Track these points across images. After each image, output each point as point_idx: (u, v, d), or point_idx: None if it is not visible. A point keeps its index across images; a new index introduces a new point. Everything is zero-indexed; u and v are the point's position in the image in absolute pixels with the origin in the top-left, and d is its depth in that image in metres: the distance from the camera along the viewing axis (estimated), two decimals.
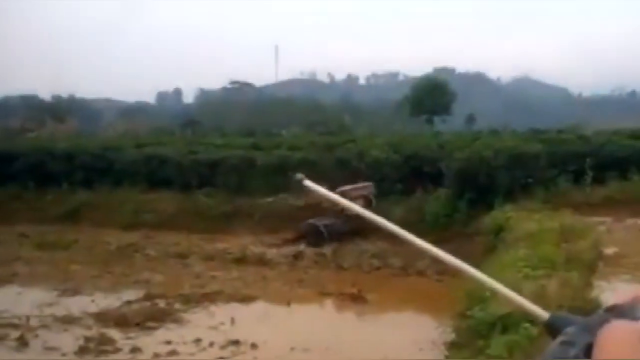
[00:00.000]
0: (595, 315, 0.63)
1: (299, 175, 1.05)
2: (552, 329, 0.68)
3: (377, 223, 0.98)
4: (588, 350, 0.58)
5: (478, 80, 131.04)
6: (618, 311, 0.63)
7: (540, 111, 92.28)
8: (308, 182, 1.03)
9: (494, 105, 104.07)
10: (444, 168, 16.56)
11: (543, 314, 0.74)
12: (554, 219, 11.68)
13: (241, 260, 14.17)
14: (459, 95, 48.03)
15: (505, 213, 13.46)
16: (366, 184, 15.30)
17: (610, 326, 0.58)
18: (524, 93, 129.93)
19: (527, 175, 15.97)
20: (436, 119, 44.67)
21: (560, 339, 0.63)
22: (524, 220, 12.11)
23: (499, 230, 12.43)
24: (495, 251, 11.02)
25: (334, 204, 1.00)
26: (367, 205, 14.09)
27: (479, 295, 7.42)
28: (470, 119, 56.08)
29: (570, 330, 0.63)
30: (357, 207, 1.00)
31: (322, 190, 1.01)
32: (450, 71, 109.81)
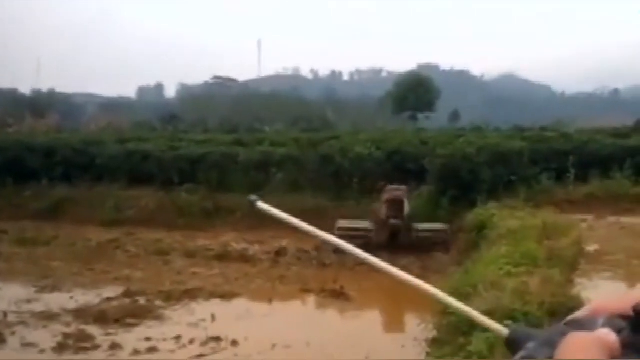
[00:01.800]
0: (555, 329, 0.64)
1: (253, 197, 1.05)
2: (512, 344, 0.68)
3: (342, 248, 0.98)
4: None
5: (462, 77, 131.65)
6: (578, 324, 0.64)
7: (523, 109, 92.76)
8: (261, 204, 1.03)
9: (478, 103, 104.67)
10: (427, 165, 16.62)
11: (503, 330, 0.74)
12: (537, 217, 11.77)
13: (223, 257, 14.12)
14: (443, 93, 48.21)
15: (487, 210, 13.55)
16: (402, 186, 14.82)
17: (569, 337, 0.59)
18: (508, 91, 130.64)
19: (510, 172, 16.09)
20: (420, 115, 44.81)
21: (520, 354, 0.63)
22: (507, 217, 12.19)
23: (481, 228, 12.51)
24: (478, 248, 11.07)
25: (289, 225, 0.99)
26: (399, 207, 14.17)
27: (461, 293, 7.45)
28: (455, 116, 56.37)
29: (530, 345, 0.63)
30: (314, 229, 0.99)
31: (275, 212, 1.00)
32: (434, 68, 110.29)
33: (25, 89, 64.94)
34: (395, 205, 14.31)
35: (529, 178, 16.29)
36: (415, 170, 17.13)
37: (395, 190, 14.70)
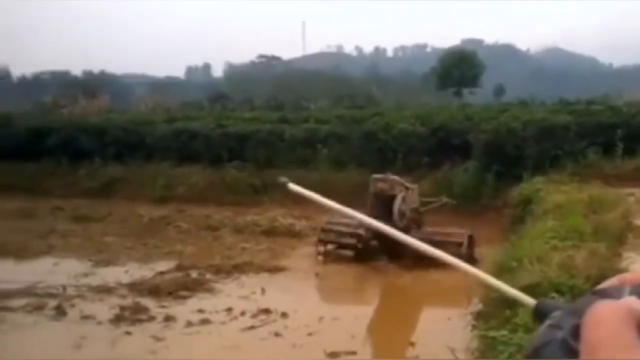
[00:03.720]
0: (581, 298, 0.65)
1: (283, 179, 1.09)
2: (539, 314, 0.69)
3: (372, 226, 1.01)
4: (576, 331, 0.60)
5: (507, 51, 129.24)
6: (605, 293, 0.64)
7: (570, 82, 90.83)
8: (292, 185, 1.07)
9: (523, 77, 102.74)
10: (472, 140, 16.45)
11: (530, 301, 0.76)
12: (583, 191, 11.58)
13: (270, 232, 14.30)
14: (487, 67, 47.41)
15: (533, 185, 13.38)
16: (392, 177, 11.98)
17: (595, 305, 0.60)
18: (553, 64, 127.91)
19: (556, 147, 15.82)
20: (464, 91, 44.23)
21: (547, 322, 0.64)
22: (553, 192, 12.03)
23: (527, 203, 12.37)
24: (524, 223, 10.97)
25: (320, 204, 1.03)
26: (386, 205, 11.31)
27: (506, 266, 7.43)
28: (499, 90, 55.45)
29: (557, 314, 0.64)
30: (345, 209, 1.03)
31: (306, 192, 1.05)
32: (478, 42, 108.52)
33: (77, 70, 65.92)
34: (380, 202, 11.50)
35: (576, 152, 15.99)
36: (460, 146, 16.94)
37: (380, 181, 11.79)
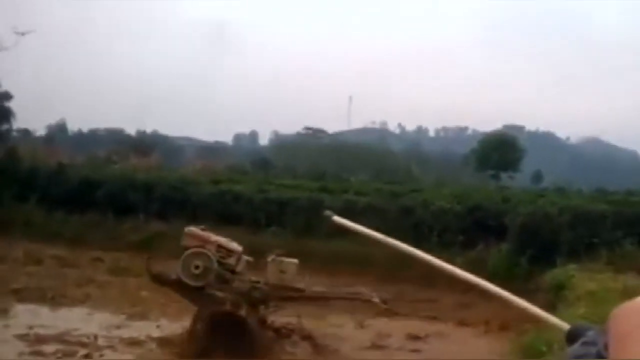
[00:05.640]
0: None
1: (328, 212, 1.08)
2: (572, 336, 0.74)
3: (414, 255, 0.98)
4: (607, 347, 0.64)
5: (547, 139, 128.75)
6: None
7: (608, 173, 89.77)
8: (337, 218, 1.06)
9: (562, 165, 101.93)
10: (508, 222, 16.21)
11: (564, 325, 0.83)
12: (617, 280, 11.24)
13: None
14: (527, 153, 47.13)
15: (567, 271, 13.06)
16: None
17: (622, 304, 0.65)
18: (592, 154, 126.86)
19: (592, 234, 15.49)
20: (503, 175, 43.91)
21: (581, 340, 0.69)
22: (586, 279, 11.71)
23: (559, 288, 12.06)
24: (555, 309, 10.64)
25: (366, 237, 1.00)
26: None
27: (537, 349, 7.17)
28: (537, 176, 55.00)
29: (590, 333, 0.70)
30: (392, 240, 1.00)
31: (350, 224, 1.03)
32: (519, 129, 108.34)
33: (130, 129, 67.51)
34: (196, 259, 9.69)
35: (612, 242, 15.58)
36: (496, 227, 16.71)
37: (190, 236, 10.03)
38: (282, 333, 10.16)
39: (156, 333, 10.59)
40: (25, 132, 44.76)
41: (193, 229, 10.17)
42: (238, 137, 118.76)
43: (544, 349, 7.04)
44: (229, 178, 24.15)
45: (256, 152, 68.51)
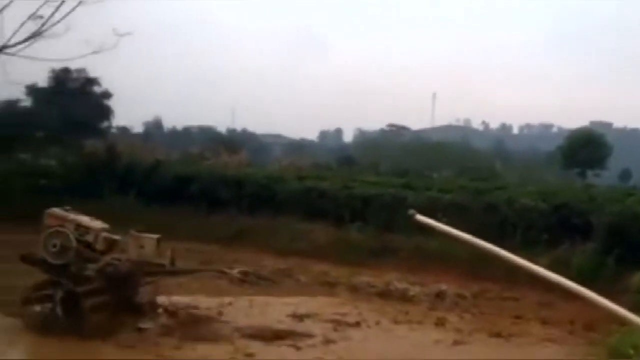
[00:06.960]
0: None
1: (411, 211, 1.08)
2: None
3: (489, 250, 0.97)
4: None
5: (635, 136, 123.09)
6: None
7: None
8: (420, 217, 1.06)
9: None
10: (595, 221, 15.64)
11: None
12: None
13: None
14: (614, 151, 45.25)
15: None
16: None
17: None
18: None
19: None
20: (589, 172, 42.32)
21: None
22: None
23: None
24: None
25: (448, 236, 1.01)
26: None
27: (623, 352, 6.94)
28: (626, 175, 52.78)
29: None
30: (471, 238, 1.00)
31: (434, 223, 1.03)
32: (606, 125, 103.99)
33: (221, 127, 68.81)
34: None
35: None
36: (581, 226, 16.11)
37: (51, 216, 9.86)
38: (144, 310, 10.12)
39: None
40: (124, 129, 46.38)
41: (54, 209, 9.97)
42: (323, 134, 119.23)
43: (631, 351, 6.79)
44: (314, 175, 24.34)
45: (341, 149, 68.69)
